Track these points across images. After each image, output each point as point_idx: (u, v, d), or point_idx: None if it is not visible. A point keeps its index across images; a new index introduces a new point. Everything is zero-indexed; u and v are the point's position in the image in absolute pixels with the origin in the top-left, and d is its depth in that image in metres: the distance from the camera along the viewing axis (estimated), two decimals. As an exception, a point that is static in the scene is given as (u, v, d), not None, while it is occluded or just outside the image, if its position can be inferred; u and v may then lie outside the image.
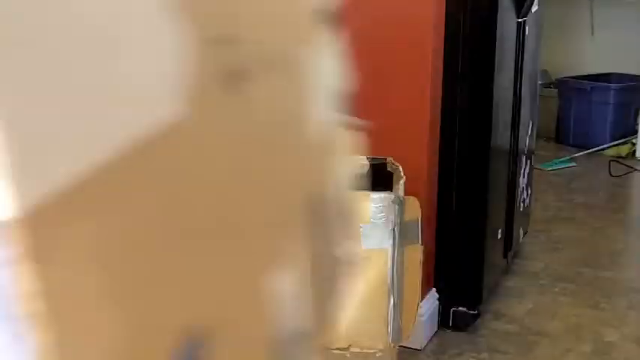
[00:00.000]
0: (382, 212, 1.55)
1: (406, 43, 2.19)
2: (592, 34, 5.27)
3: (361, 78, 2.28)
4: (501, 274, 2.85)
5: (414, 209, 1.60)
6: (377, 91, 2.23)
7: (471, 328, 2.46)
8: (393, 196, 1.57)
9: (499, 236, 2.65)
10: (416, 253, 1.60)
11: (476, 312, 2.46)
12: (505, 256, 2.80)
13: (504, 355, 2.34)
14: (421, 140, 2.21)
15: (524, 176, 2.93)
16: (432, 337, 2.35)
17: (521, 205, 2.94)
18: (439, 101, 2.28)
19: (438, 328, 2.42)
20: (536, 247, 3.24)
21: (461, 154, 2.32)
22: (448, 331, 2.39)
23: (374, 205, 1.55)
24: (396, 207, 1.55)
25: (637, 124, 4.81)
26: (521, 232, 3.03)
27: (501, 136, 2.57)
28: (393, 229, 1.55)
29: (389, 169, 1.78)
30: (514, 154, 2.71)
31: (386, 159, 1.80)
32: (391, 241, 1.55)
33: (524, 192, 2.99)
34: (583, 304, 2.70)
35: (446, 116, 2.30)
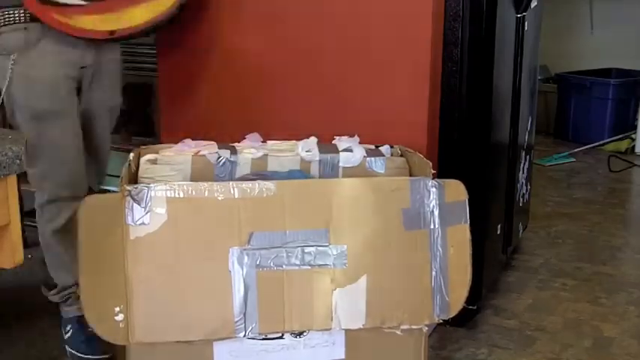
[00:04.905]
0: (420, 195, 1.61)
1: (405, 37, 2.18)
2: (591, 29, 5.26)
3: (360, 74, 2.29)
4: (501, 270, 2.85)
5: (457, 191, 1.65)
6: (376, 86, 2.22)
7: (470, 323, 2.46)
8: (430, 180, 1.62)
9: (498, 231, 2.65)
10: (461, 234, 1.65)
11: (475, 307, 2.46)
12: (504, 251, 2.80)
13: (504, 351, 2.34)
14: (420, 136, 2.21)
15: (523, 171, 2.93)
16: (432, 332, 2.35)
17: (521, 200, 2.94)
18: (438, 96, 2.28)
19: (438, 323, 2.42)
20: (536, 242, 3.24)
21: (460, 149, 2.32)
22: (447, 326, 2.39)
23: (412, 188, 1.61)
24: (435, 190, 1.62)
25: (636, 120, 4.80)
26: (521, 227, 3.02)
27: (500, 132, 2.57)
28: (432, 211, 1.61)
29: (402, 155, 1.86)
30: (513, 150, 2.71)
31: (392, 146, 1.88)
32: (432, 223, 1.62)
33: (524, 187, 2.99)
34: (582, 300, 2.70)
35: (445, 111, 2.29)
